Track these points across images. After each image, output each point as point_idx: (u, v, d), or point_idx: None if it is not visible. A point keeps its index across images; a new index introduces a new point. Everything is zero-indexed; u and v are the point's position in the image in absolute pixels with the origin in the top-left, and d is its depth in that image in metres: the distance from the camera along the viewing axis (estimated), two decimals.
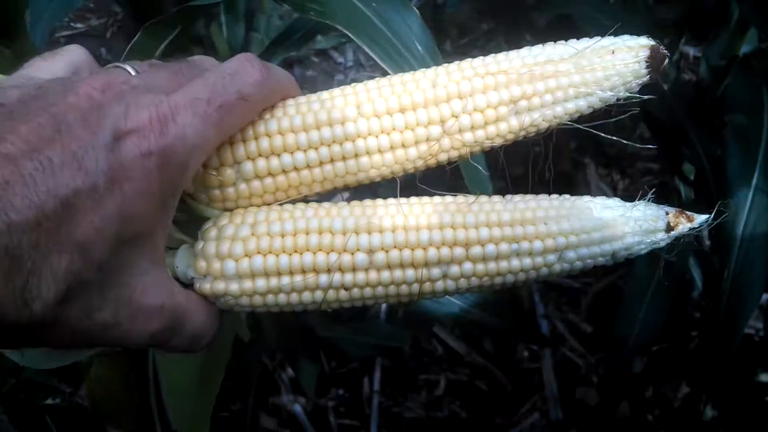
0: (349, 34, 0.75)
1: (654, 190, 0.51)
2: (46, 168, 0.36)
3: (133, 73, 0.46)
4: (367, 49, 0.74)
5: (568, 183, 2.37)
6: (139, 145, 0.40)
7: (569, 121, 0.51)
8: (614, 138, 0.53)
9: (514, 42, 2.80)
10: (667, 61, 0.49)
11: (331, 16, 0.76)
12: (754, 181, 1.04)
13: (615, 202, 0.51)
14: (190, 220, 0.51)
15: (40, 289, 0.36)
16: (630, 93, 0.50)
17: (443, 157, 0.51)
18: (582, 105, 0.50)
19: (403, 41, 0.77)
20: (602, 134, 0.51)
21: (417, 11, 0.78)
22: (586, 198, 0.51)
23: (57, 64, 0.46)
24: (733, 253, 1.05)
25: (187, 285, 0.49)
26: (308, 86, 2.98)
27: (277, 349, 1.30)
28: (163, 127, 0.41)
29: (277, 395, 1.93)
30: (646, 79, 0.49)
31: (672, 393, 1.91)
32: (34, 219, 0.35)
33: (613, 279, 2.23)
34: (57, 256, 0.37)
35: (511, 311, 1.39)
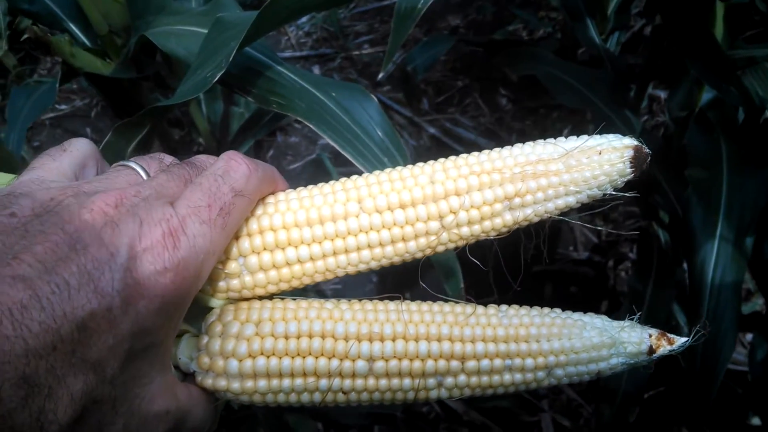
0: (311, 125, 0.78)
1: (639, 314, 0.53)
2: (62, 291, 0.36)
3: (142, 173, 0.48)
4: (328, 139, 0.77)
5: (553, 231, 2.39)
6: (154, 263, 0.40)
7: (558, 215, 0.53)
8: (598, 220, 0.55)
9: (489, 97, 2.87)
10: (649, 159, 0.52)
11: (292, 109, 0.79)
12: (718, 231, 1.06)
13: (603, 322, 0.53)
14: (193, 307, 0.51)
15: (57, 413, 0.36)
16: (615, 191, 0.52)
17: (441, 249, 0.53)
18: (571, 201, 0.52)
19: (364, 128, 0.80)
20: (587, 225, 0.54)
21: (375, 99, 0.81)
22: (576, 315, 0.54)
23: (64, 162, 0.48)
24: (704, 304, 1.06)
25: (187, 374, 0.50)
26: (292, 152, 3.02)
27: (264, 426, 1.30)
28: (176, 241, 0.42)
29: None
30: (630, 177, 0.51)
31: None
32: (51, 343, 0.35)
33: None
34: (72, 379, 0.37)
35: None
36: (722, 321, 1.05)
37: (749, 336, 2.11)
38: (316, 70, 3.43)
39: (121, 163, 0.49)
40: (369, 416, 1.52)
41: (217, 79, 0.73)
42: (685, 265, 1.93)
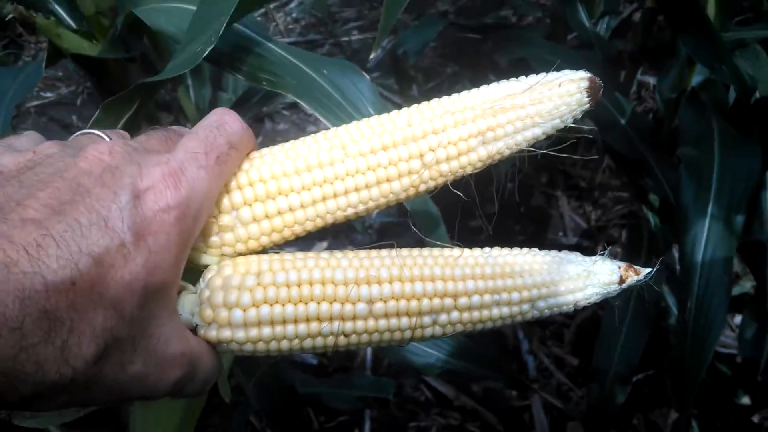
0: (302, 103, 0.77)
1: (608, 248, 0.59)
2: (75, 229, 0.38)
3: (106, 138, 0.48)
4: (320, 117, 0.76)
5: (542, 217, 2.40)
6: (157, 201, 0.42)
7: (528, 147, 0.57)
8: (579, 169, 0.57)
9: (479, 83, 2.86)
10: (602, 90, 0.56)
11: (283, 86, 0.78)
12: (710, 209, 1.07)
13: (577, 257, 0.57)
14: (187, 265, 0.52)
15: (81, 347, 0.38)
16: (575, 122, 0.56)
17: (423, 188, 0.56)
18: (538, 132, 0.56)
19: (355, 106, 0.79)
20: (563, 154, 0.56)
21: (367, 76, 0.80)
22: (553, 252, 0.58)
23: (23, 141, 0.47)
24: (694, 281, 1.07)
25: (189, 329, 0.51)
26: (281, 139, 2.99)
27: (258, 412, 1.29)
28: (176, 181, 0.43)
29: None
30: (587, 106, 0.55)
31: (662, 420, 1.91)
32: (70, 278, 0.37)
33: (593, 309, 2.24)
34: (93, 313, 0.38)
35: (489, 358, 1.40)
36: (713, 298, 1.06)
37: (737, 320, 2.13)
38: None
39: (83, 132, 0.49)
40: (360, 400, 1.52)
41: (206, 53, 0.72)
42: (674, 251, 1.94)
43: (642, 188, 1.63)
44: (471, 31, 2.01)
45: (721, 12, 1.32)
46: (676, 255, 1.98)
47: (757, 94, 1.16)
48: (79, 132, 0.49)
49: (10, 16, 1.13)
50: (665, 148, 1.49)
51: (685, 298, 1.06)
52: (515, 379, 1.54)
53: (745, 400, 1.42)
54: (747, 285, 2.06)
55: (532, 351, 2.15)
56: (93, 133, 0.49)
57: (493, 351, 1.53)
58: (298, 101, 0.76)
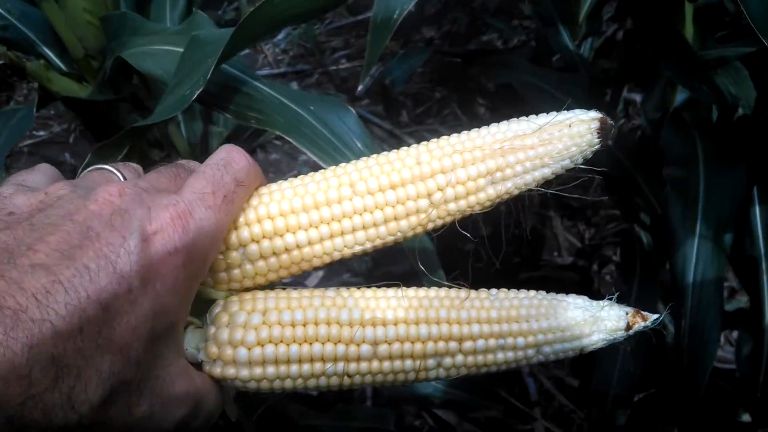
0: (290, 139, 0.78)
1: (617, 293, 0.57)
2: (83, 274, 0.38)
3: (119, 174, 0.49)
4: (308, 153, 0.77)
5: (536, 238, 2.41)
6: (165, 244, 0.42)
7: (537, 186, 0.57)
8: (574, 196, 0.58)
9: (467, 107, 2.88)
10: (613, 130, 0.56)
11: (271, 124, 0.79)
12: (697, 230, 1.08)
13: (584, 302, 0.57)
14: (195, 300, 0.52)
15: (87, 393, 0.38)
16: (584, 161, 0.56)
17: (431, 226, 0.56)
18: (547, 173, 0.56)
19: (343, 140, 0.80)
20: (566, 194, 0.58)
21: (353, 110, 0.82)
22: (560, 296, 0.58)
23: (37, 176, 0.48)
24: (686, 302, 1.07)
25: (194, 364, 0.51)
26: (273, 169, 3.02)
27: None
28: (185, 224, 0.44)
29: None
30: (597, 146, 0.55)
31: None
32: (78, 325, 0.37)
33: None
34: (99, 359, 0.38)
35: (487, 388, 1.39)
36: (706, 317, 1.06)
37: (736, 333, 2.12)
38: (294, 86, 3.43)
39: (97, 166, 0.50)
40: None
41: (195, 96, 0.73)
42: (668, 265, 1.95)
43: (633, 207, 1.64)
44: (456, 58, 2.03)
45: (699, 30, 1.34)
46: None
47: (740, 112, 1.18)
48: (90, 167, 0.50)
49: (0, 62, 1.14)
50: (653, 166, 1.50)
51: (679, 319, 1.06)
52: (517, 408, 1.53)
53: (746, 417, 1.41)
54: (743, 300, 2.06)
55: (532, 373, 2.15)
56: (105, 169, 0.49)
57: (493, 376, 1.52)
58: (287, 138, 0.77)
